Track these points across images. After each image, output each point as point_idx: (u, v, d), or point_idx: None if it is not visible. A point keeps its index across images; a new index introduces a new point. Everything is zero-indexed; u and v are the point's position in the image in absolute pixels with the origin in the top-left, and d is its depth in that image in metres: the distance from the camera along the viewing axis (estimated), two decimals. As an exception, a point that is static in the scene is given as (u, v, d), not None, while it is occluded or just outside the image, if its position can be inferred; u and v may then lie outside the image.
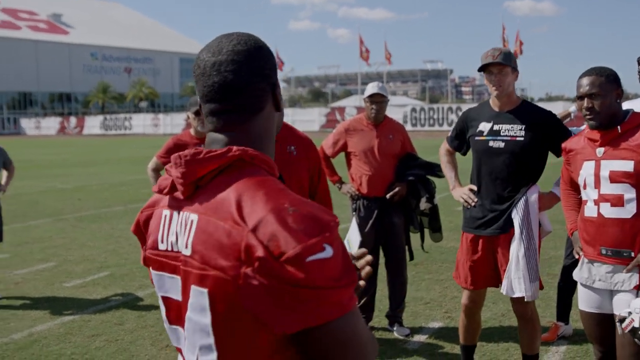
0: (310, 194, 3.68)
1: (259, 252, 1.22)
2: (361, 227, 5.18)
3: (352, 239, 5.16)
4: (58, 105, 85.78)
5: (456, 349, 4.89)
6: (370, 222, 5.20)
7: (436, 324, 5.54)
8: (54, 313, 6.14)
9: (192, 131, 5.33)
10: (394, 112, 41.29)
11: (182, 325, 1.43)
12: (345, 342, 1.27)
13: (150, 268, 1.51)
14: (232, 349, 1.33)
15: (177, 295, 1.42)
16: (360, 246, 5.16)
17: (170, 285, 1.44)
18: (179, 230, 1.41)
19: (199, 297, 1.33)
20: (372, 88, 5.20)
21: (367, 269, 1.55)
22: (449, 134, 4.48)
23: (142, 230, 1.56)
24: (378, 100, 5.16)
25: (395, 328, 5.35)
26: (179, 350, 1.50)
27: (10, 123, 70.12)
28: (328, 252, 1.23)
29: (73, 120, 63.47)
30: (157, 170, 5.42)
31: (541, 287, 4.04)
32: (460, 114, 42.04)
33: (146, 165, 5.68)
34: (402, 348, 5.06)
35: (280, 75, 75.25)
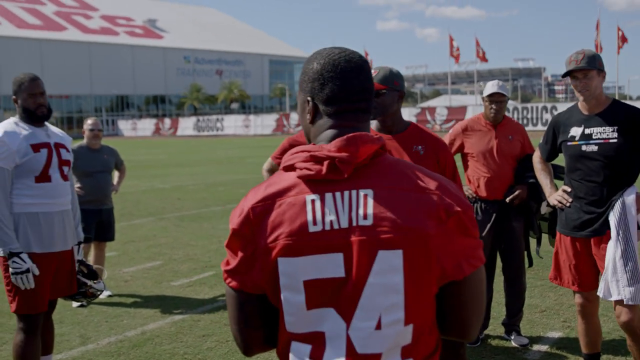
0: None
1: (457, 208, 1.53)
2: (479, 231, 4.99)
3: None
4: (153, 107, 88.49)
5: (580, 361, 4.64)
6: (488, 226, 5.00)
7: (555, 334, 5.28)
8: (164, 312, 6.22)
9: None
10: (486, 112, 40.41)
11: (334, 304, 1.51)
12: (484, 280, 1.61)
13: (287, 257, 1.52)
14: (416, 305, 1.52)
15: (337, 272, 1.51)
16: None
17: (326, 265, 1.51)
18: (342, 208, 1.51)
19: (389, 259, 1.49)
20: (491, 87, 4.99)
21: None
22: (540, 141, 4.38)
23: (252, 224, 1.56)
24: (498, 100, 4.95)
25: (513, 337, 5.12)
26: (310, 337, 1.54)
27: (109, 125, 72.82)
28: None
29: (167, 121, 65.34)
30: (272, 172, 5.39)
31: None
32: (554, 112, 40.95)
33: (260, 166, 5.68)
34: (521, 358, 4.84)
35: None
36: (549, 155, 4.32)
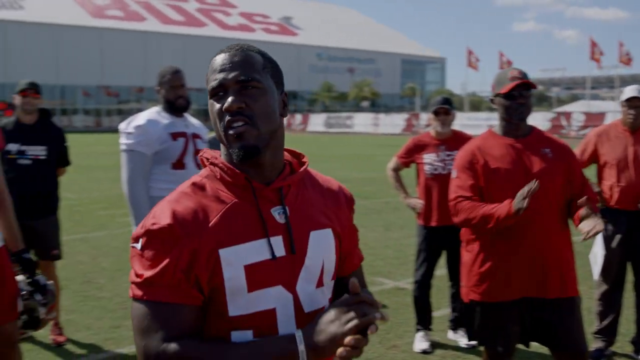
0: (571, 199, 3.43)
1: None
2: (608, 241, 4.81)
3: (598, 253, 4.81)
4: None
5: None
6: (619, 236, 4.80)
7: (689, 355, 4.99)
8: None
9: (432, 132, 5.27)
10: (627, 119, 38.32)
11: None
12: (133, 319, 1.55)
13: None
14: None
15: None
16: (606, 262, 4.78)
17: None
18: None
19: None
20: (630, 91, 4.77)
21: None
22: None
23: None
24: (637, 105, 4.73)
25: (642, 355, 4.90)
26: None
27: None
28: (138, 245, 1.57)
29: (298, 117, 66.56)
30: (396, 170, 5.44)
31: None
32: None
33: (386, 165, 5.75)
34: (649, 377, 4.63)
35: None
36: None
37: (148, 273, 1.53)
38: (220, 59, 1.62)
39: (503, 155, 3.37)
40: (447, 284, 5.69)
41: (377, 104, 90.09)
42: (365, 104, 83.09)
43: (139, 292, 1.54)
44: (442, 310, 6.03)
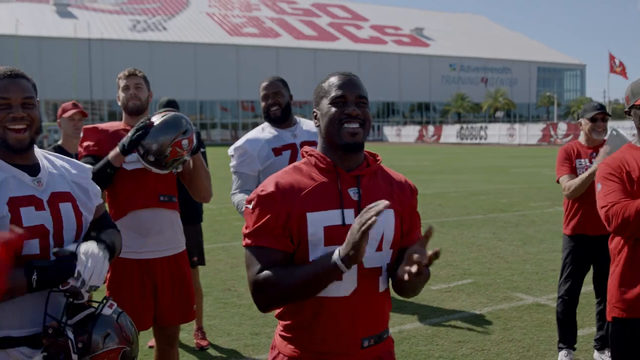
0: None
1: None
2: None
3: None
4: (417, 114, 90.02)
5: None
6: None
7: None
8: (422, 314, 6.33)
9: (582, 139, 5.02)
10: None
11: None
12: (245, 259, 2.14)
13: None
14: None
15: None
16: None
17: None
18: None
19: None
20: None
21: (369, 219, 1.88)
22: None
23: None
24: None
25: None
26: None
27: (374, 130, 75.52)
28: (250, 205, 2.14)
29: (431, 128, 65.97)
30: (571, 178, 5.01)
31: None
32: None
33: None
34: None
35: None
36: None
37: (254, 225, 2.10)
38: (340, 78, 2.17)
39: None
40: (592, 301, 5.43)
41: (512, 114, 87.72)
42: (499, 114, 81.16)
43: (248, 241, 2.12)
44: (586, 329, 5.75)
